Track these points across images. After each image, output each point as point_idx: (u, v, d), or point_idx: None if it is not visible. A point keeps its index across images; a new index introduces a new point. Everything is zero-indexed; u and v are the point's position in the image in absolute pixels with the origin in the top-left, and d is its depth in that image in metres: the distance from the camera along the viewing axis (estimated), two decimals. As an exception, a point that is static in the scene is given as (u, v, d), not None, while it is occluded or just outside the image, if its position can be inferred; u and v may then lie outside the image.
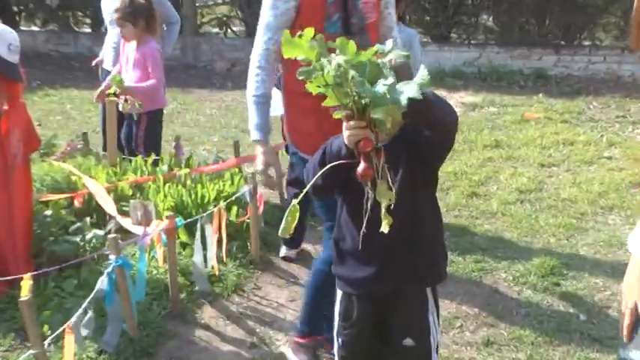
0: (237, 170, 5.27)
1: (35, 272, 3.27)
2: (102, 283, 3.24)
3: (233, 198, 4.53)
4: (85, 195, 4.75)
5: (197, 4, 13.54)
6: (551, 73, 11.06)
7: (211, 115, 9.29)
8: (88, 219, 4.52)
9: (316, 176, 2.25)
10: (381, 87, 2.01)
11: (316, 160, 2.39)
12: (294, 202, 2.12)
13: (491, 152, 7.17)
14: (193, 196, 4.69)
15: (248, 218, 4.56)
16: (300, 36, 2.08)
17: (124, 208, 4.42)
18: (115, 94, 5.20)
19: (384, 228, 2.08)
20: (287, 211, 2.12)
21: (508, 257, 4.70)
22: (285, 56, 2.14)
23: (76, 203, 4.72)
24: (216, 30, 14.18)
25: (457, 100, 9.58)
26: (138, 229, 3.82)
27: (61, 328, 2.93)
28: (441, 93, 9.69)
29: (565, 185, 6.12)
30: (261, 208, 4.70)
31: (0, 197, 3.79)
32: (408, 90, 2.00)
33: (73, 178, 4.92)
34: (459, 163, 6.76)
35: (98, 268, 4.05)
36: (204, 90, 10.92)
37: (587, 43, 12.03)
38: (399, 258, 2.45)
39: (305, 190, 2.22)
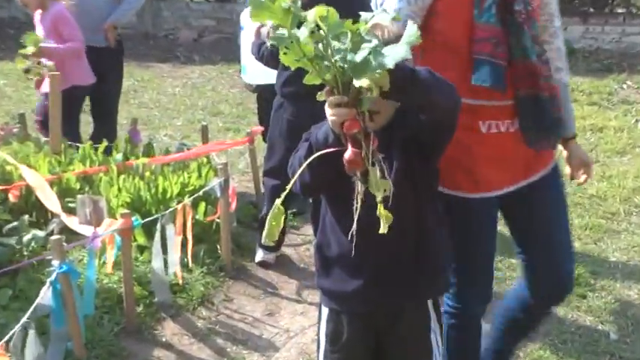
0: (205, 160, 5.27)
1: (-37, 281, 3.26)
2: (44, 295, 3.23)
3: (200, 193, 4.52)
4: (23, 188, 4.72)
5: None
6: (578, 46, 11.11)
7: (174, 95, 9.26)
8: (26, 217, 4.50)
9: (301, 168, 2.24)
10: (363, 51, 2.01)
11: (302, 154, 2.37)
12: (277, 202, 2.11)
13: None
14: (153, 191, 4.68)
15: (218, 217, 4.56)
16: None
17: (70, 205, 4.41)
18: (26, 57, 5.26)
19: (383, 228, 2.08)
20: (270, 214, 2.12)
21: (525, 264, 4.72)
22: (253, 21, 2.13)
23: (11, 198, 4.70)
24: (180, -8, 14.13)
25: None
26: (86, 230, 3.81)
27: (-6, 348, 2.92)
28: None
29: (593, 179, 6.16)
30: (234, 205, 4.70)
31: None
32: (396, 52, 2.01)
33: (8, 167, 4.89)
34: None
35: (38, 277, 4.03)
36: (166, 64, 10.89)
37: (620, 10, 12.09)
38: (395, 267, 2.45)
39: (288, 188, 2.22)
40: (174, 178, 4.81)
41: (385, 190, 2.08)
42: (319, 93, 2.17)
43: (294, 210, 5.18)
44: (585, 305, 4.26)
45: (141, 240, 4.48)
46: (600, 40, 11.27)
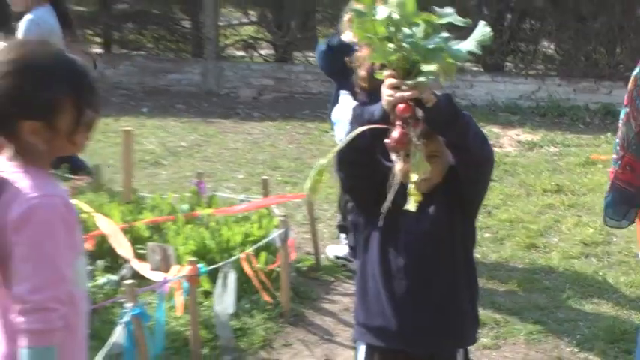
0: (265, 212, 5.36)
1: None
2: (118, 334, 3.33)
3: (262, 243, 4.62)
4: (98, 236, 4.85)
5: (219, 24, 13.80)
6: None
7: (235, 149, 9.40)
8: (102, 262, 4.63)
9: (348, 137, 2.31)
10: (435, 40, 2.14)
11: (352, 122, 2.44)
12: (321, 161, 2.23)
13: (551, 198, 7.19)
14: (217, 240, 4.78)
15: (278, 266, 4.63)
16: None
17: (140, 251, 4.53)
18: None
19: (411, 206, 2.19)
20: (314, 169, 2.23)
21: (571, 319, 4.71)
22: None
23: (88, 245, 4.81)
24: (241, 53, 14.43)
25: (512, 137, 9.62)
26: (157, 276, 3.91)
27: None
28: (494, 130, 9.78)
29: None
30: (293, 256, 4.77)
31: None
32: (466, 45, 2.14)
33: (84, 216, 5.02)
34: (515, 209, 6.78)
35: (110, 318, 4.13)
36: (227, 120, 11.07)
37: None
38: (426, 311, 2.50)
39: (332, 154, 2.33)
40: (237, 229, 4.91)
41: (424, 172, 2.21)
42: (378, 72, 2.29)
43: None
44: (630, 360, 4.23)
45: (206, 286, 4.56)
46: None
